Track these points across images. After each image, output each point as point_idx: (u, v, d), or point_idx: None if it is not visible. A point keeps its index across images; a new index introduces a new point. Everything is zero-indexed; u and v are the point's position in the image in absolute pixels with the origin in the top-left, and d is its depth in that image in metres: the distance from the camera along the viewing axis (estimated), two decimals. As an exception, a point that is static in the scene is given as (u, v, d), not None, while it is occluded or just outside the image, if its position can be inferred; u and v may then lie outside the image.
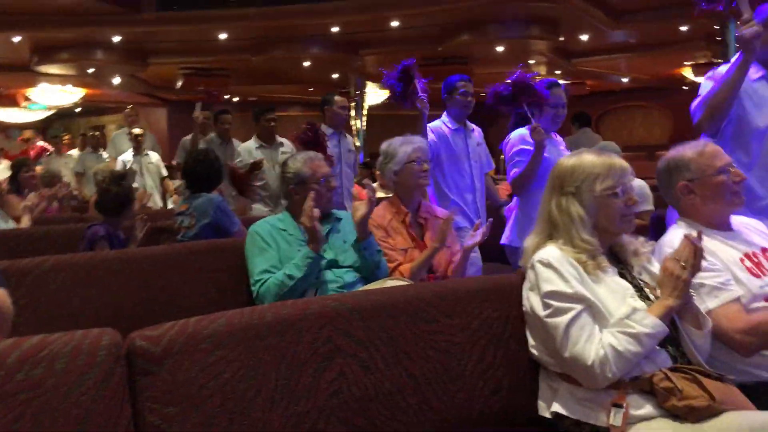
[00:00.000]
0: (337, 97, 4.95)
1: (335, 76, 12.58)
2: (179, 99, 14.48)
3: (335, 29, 9.25)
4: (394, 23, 8.85)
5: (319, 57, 10.51)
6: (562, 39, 9.67)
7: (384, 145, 3.14)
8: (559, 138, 3.92)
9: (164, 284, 2.59)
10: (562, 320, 1.73)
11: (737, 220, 2.14)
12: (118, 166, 6.96)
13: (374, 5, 8.09)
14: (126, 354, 1.41)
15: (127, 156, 7.02)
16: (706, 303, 1.87)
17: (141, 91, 13.86)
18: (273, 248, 2.63)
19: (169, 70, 11.48)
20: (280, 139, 5.40)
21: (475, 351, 1.88)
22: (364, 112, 12.35)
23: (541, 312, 1.78)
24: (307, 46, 10.14)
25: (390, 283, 2.45)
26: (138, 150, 7.04)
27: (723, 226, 2.08)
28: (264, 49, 10.17)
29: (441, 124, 4.08)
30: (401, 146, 3.01)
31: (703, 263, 1.77)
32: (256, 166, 4.98)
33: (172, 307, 2.52)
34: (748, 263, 1.98)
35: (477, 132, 4.20)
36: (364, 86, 12.44)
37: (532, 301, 1.83)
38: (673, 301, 1.72)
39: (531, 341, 1.89)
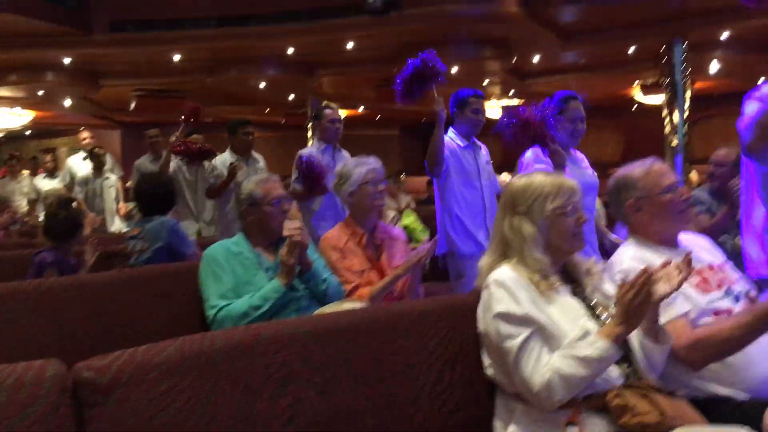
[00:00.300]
0: (326, 110, 4.74)
1: (291, 97, 12.57)
2: (133, 121, 14.28)
3: (290, 51, 9.25)
4: (350, 45, 8.90)
5: (275, 78, 10.50)
6: (514, 60, 9.84)
7: (338, 167, 3.15)
8: (580, 155, 3.74)
9: (117, 311, 2.53)
10: (514, 343, 1.73)
11: (685, 238, 2.19)
12: (77, 187, 6.80)
13: (329, 27, 8.12)
14: (72, 385, 1.36)
15: (86, 176, 6.85)
16: (655, 318, 1.90)
17: (93, 113, 13.63)
18: (228, 272, 2.60)
19: (123, 91, 11.33)
20: (255, 154, 5.31)
21: (432, 372, 1.88)
22: (321, 132, 12.33)
23: (494, 333, 1.79)
24: (263, 67, 10.11)
25: (346, 305, 2.44)
26: (98, 171, 6.87)
27: (671, 243, 2.12)
28: (219, 70, 10.11)
29: (450, 140, 3.89)
30: (356, 167, 3.01)
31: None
32: (232, 171, 4.84)
33: (125, 335, 2.46)
34: (695, 279, 2.02)
35: (484, 149, 4.06)
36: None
37: (485, 322, 1.84)
38: (624, 328, 1.70)
39: (486, 361, 1.90)
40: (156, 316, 2.59)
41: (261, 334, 1.64)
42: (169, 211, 3.96)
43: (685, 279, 1.74)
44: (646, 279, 1.68)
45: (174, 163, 5.65)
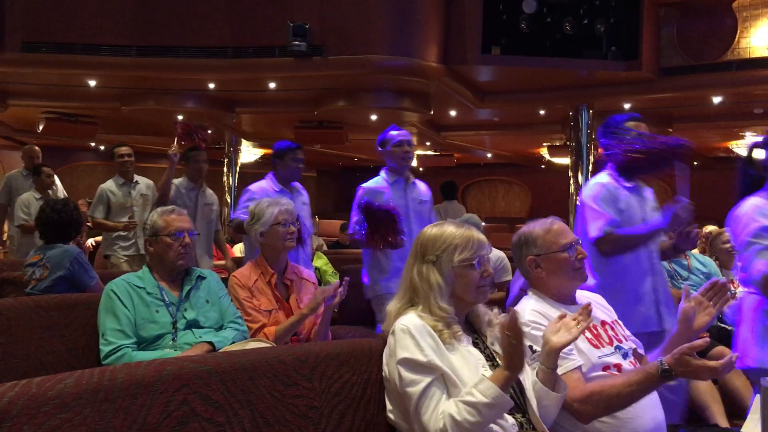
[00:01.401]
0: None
1: (209, 132, 12.44)
2: (39, 143, 13.70)
3: (212, 86, 9.19)
4: (272, 84, 8.93)
5: (194, 112, 10.35)
6: (432, 113, 10.13)
7: (251, 206, 3.15)
8: None
9: (10, 341, 2.43)
10: (415, 390, 1.78)
11: (580, 294, 2.31)
12: (19, 212, 6.28)
13: (252, 65, 8.13)
14: (-42, 416, 1.31)
15: (31, 199, 6.28)
16: (550, 371, 1.99)
17: (-4, 132, 13.04)
18: (128, 308, 2.53)
19: (31, 112, 10.89)
20: (298, 185, 4.65)
21: (333, 415, 1.89)
22: (237, 169, 12.26)
23: (397, 379, 1.83)
24: (182, 99, 9.96)
25: (252, 344, 2.43)
26: (43, 193, 6.37)
27: (567, 300, 2.23)
28: (136, 99, 9.90)
29: (609, 179, 3.09)
30: (268, 207, 3.03)
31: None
32: None
33: (18, 367, 2.37)
34: (588, 335, 2.13)
35: (649, 191, 3.20)
36: (238, 143, 12.39)
37: (390, 367, 1.88)
38: (510, 372, 1.75)
39: (389, 406, 1.93)
40: (52, 348, 2.50)
41: (163, 371, 1.60)
42: (73, 239, 3.85)
43: (585, 328, 1.85)
44: (514, 322, 1.74)
45: (175, 187, 5.28)
